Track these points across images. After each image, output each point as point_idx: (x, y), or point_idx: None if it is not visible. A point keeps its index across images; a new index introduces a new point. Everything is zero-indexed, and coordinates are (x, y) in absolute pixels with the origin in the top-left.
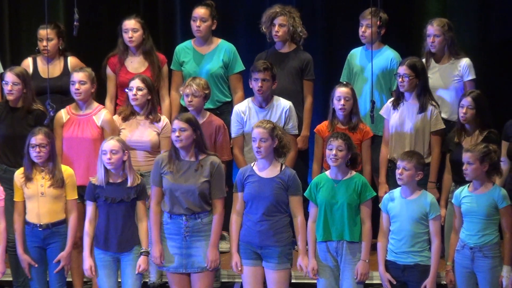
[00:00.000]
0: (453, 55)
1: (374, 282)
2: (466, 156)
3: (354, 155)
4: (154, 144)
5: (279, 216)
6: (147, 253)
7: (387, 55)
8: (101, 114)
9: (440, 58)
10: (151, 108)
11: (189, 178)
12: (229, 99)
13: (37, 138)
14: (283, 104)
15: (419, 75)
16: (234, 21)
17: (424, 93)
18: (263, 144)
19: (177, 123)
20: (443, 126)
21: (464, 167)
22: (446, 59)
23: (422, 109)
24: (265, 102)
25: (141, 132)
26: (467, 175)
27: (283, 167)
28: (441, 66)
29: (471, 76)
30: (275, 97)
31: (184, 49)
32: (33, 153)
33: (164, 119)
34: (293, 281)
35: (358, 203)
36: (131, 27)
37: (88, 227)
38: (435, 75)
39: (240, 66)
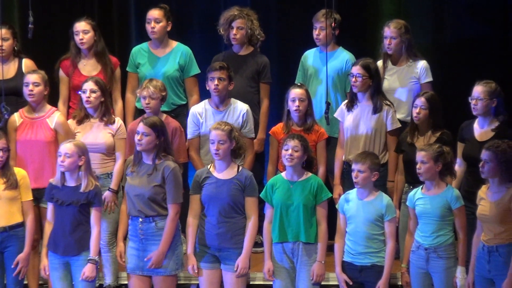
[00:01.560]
0: (411, 57)
1: (331, 283)
2: (420, 155)
3: (310, 157)
4: (109, 146)
5: (237, 217)
6: (94, 261)
7: (342, 56)
8: (54, 117)
9: (397, 60)
10: (105, 110)
11: (142, 182)
12: (184, 102)
13: (0, 142)
14: (240, 107)
15: (372, 76)
16: (188, 24)
17: (377, 94)
18: (221, 146)
19: (141, 127)
20: (399, 125)
21: (418, 166)
22: (403, 61)
23: (377, 109)
24: (222, 104)
25: (95, 134)
26: (420, 174)
27: (240, 168)
28: (399, 68)
29: (428, 78)
30: (232, 100)
31: (140, 51)
32: None
33: (118, 121)
34: (250, 283)
35: (314, 204)
36: (81, 29)
37: (46, 228)
38: (393, 76)
39: (195, 69)
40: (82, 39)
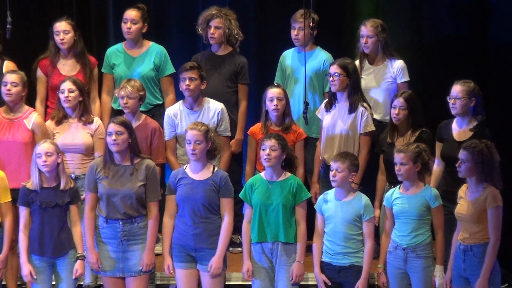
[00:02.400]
0: (387, 57)
1: (310, 283)
2: (398, 157)
3: (290, 156)
4: (88, 146)
5: (212, 218)
6: (83, 257)
7: (320, 56)
8: (32, 117)
9: (374, 59)
10: (83, 110)
11: (125, 183)
12: (160, 102)
13: None
14: (214, 106)
15: (350, 75)
16: (166, 24)
17: (354, 93)
18: (198, 146)
19: (113, 127)
20: (373, 128)
21: (397, 168)
22: (380, 60)
23: (352, 109)
24: (196, 103)
25: (74, 134)
26: (400, 175)
27: (215, 169)
28: (375, 68)
29: (405, 78)
30: (206, 99)
31: (115, 52)
32: None
33: (97, 121)
34: (227, 283)
35: (293, 204)
36: (62, 29)
37: (23, 233)
38: (369, 76)
39: (171, 69)
40: (63, 39)
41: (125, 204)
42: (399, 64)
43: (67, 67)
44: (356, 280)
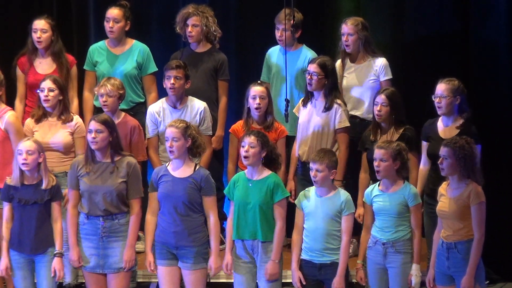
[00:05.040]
0: (369, 54)
1: (290, 280)
2: (379, 153)
3: (271, 153)
4: (67, 145)
5: (193, 216)
6: (60, 255)
7: (305, 55)
8: (5, 117)
9: (355, 57)
10: (63, 109)
11: (106, 180)
12: (142, 100)
13: None
14: (197, 105)
15: (328, 75)
16: (147, 21)
17: (331, 93)
18: (175, 144)
19: (93, 125)
20: (347, 124)
21: (376, 164)
22: (361, 58)
23: (327, 108)
24: (179, 102)
25: (53, 133)
26: (379, 172)
27: (197, 167)
28: (357, 66)
29: (387, 76)
30: (190, 98)
31: (97, 50)
32: None
33: (77, 119)
34: (212, 280)
35: (272, 203)
36: (40, 27)
37: (6, 228)
38: (351, 75)
39: (153, 67)
40: (39, 38)
41: (105, 201)
42: (381, 62)
43: (44, 65)
44: None
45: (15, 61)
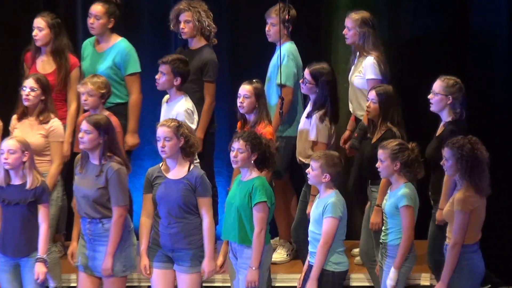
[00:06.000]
0: (365, 51)
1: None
2: (379, 153)
3: (263, 154)
4: (37, 147)
5: (189, 218)
6: (42, 260)
7: (282, 51)
8: None
9: (361, 52)
10: (43, 109)
11: (88, 183)
12: (122, 101)
13: None
14: (181, 105)
15: (318, 84)
16: (138, 17)
17: (317, 103)
18: (167, 143)
19: (83, 124)
20: (314, 139)
21: (377, 164)
22: (361, 54)
23: (308, 115)
24: (171, 97)
25: (28, 133)
26: (380, 172)
27: (191, 167)
28: (358, 61)
29: (369, 75)
30: (183, 95)
31: (87, 44)
32: None
33: (53, 122)
34: (206, 284)
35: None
36: (36, 25)
37: None
38: (352, 68)
39: (133, 68)
40: (35, 36)
41: (84, 204)
42: (369, 60)
43: (44, 64)
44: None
45: (22, 56)
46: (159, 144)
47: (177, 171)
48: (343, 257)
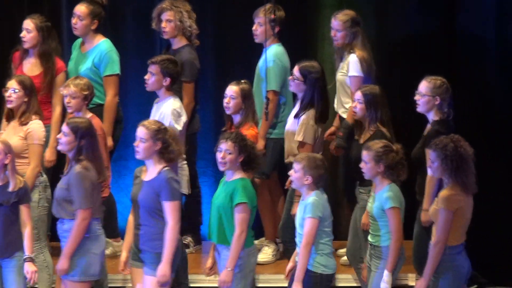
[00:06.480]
0: (352, 49)
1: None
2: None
3: (248, 156)
4: (15, 149)
5: (154, 221)
6: (31, 259)
7: (268, 53)
8: None
9: (347, 51)
10: (25, 111)
11: (61, 182)
12: (102, 102)
13: None
14: (166, 107)
15: (306, 82)
16: (123, 18)
17: (305, 101)
18: (141, 145)
19: (63, 126)
20: (308, 142)
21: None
22: (349, 52)
23: (296, 115)
24: (159, 97)
25: (9, 135)
26: (364, 173)
27: (162, 170)
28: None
29: (354, 72)
30: (171, 96)
31: (75, 45)
32: None
33: (31, 124)
34: (193, 285)
35: (231, 208)
36: (25, 26)
37: None
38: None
39: (111, 69)
40: (23, 37)
41: (54, 202)
42: (352, 57)
43: (31, 66)
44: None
45: (11, 55)
46: (135, 144)
47: (150, 174)
48: (331, 260)
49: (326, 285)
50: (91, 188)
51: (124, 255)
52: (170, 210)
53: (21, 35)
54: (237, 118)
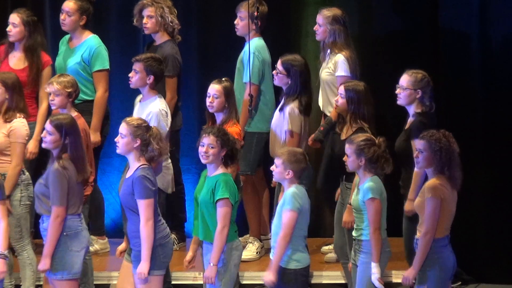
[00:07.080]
0: (336, 48)
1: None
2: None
3: (231, 151)
4: None
5: (131, 219)
6: (4, 257)
7: (247, 47)
8: None
9: (332, 49)
10: (8, 108)
11: (41, 178)
12: (89, 98)
13: None
14: (152, 107)
15: (289, 75)
16: (106, 14)
17: (292, 94)
18: (120, 140)
19: (46, 124)
20: (296, 131)
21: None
22: (332, 51)
23: (281, 108)
24: (144, 96)
25: None
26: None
27: (138, 167)
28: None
29: (341, 72)
30: (156, 96)
31: (63, 40)
32: None
33: (15, 122)
34: (175, 282)
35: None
36: (11, 20)
37: None
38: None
39: (101, 64)
40: (10, 31)
41: (35, 198)
42: (338, 57)
43: (16, 60)
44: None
45: None
46: (116, 139)
47: (130, 171)
48: (304, 254)
49: (302, 280)
50: (67, 187)
51: (123, 246)
52: (141, 208)
53: (7, 29)
54: (220, 116)
